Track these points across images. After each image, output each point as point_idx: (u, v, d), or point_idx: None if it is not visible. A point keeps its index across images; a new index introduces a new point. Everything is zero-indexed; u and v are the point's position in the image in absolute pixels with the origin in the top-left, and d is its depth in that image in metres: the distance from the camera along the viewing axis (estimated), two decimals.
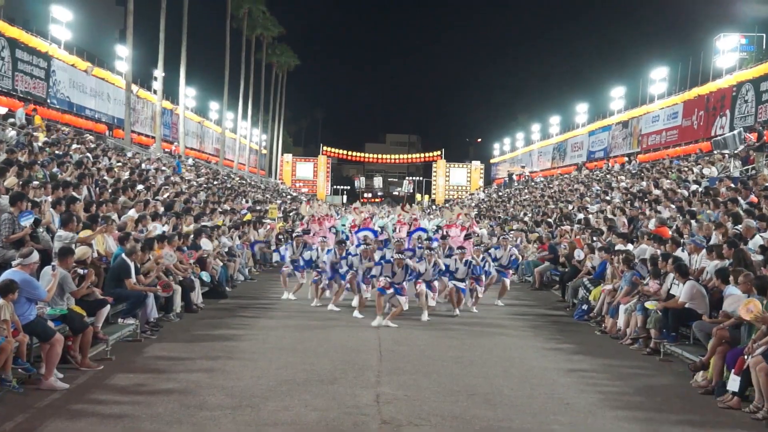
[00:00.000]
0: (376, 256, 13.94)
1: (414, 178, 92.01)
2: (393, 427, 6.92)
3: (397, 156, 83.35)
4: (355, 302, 14.65)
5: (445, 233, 16.81)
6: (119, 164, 23.91)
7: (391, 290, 12.70)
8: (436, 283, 14.05)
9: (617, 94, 47.59)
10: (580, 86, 72.18)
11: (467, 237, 16.33)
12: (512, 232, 24.02)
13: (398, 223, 22.79)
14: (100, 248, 11.88)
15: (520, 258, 16.93)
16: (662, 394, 8.73)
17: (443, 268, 14.26)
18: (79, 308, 9.24)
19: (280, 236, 25.41)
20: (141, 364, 9.34)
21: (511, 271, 16.76)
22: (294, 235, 17.41)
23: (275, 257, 17.27)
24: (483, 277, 15.14)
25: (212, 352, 10.12)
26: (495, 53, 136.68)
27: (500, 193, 54.94)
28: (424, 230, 16.71)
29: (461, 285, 14.44)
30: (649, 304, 11.01)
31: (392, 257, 13.34)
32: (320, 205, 24.79)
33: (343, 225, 18.98)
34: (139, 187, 19.38)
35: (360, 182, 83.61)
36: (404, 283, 13.08)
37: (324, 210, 22.42)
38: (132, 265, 11.26)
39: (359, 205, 27.44)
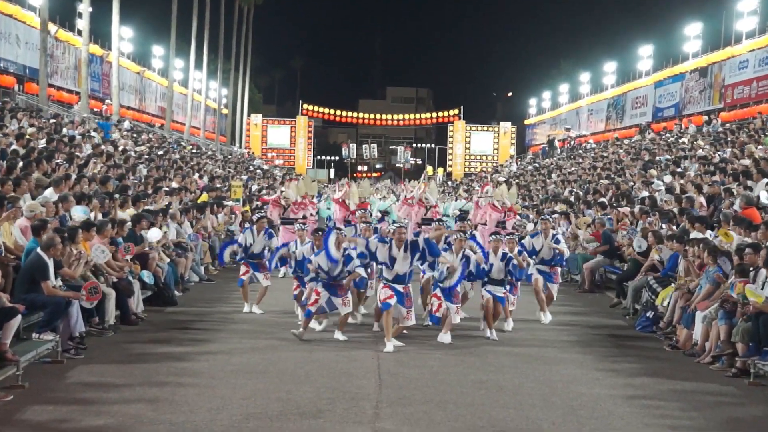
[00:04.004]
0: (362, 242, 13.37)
1: (423, 145, 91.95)
2: None
3: (400, 116, 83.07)
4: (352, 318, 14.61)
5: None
6: (32, 129, 23.82)
7: (394, 298, 12.26)
8: (458, 288, 13.32)
9: (692, 33, 47.36)
10: (643, 22, 71.97)
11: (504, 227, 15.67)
12: (554, 215, 24.00)
13: (404, 203, 22.68)
14: (7, 240, 11.85)
15: (566, 252, 16.24)
16: (752, 428, 8.72)
17: (483, 266, 13.51)
18: None
19: (247, 224, 25.39)
20: (63, 392, 9.34)
21: (558, 270, 15.81)
22: (256, 217, 17.01)
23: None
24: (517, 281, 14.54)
25: (157, 377, 10.12)
26: None
27: (537, 164, 54.88)
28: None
29: (498, 292, 13.67)
30: (748, 290, 10.81)
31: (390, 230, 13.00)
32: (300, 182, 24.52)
33: (328, 208, 18.94)
34: (59, 158, 19.32)
35: (350, 150, 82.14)
36: (408, 282, 12.47)
37: (309, 188, 22.26)
38: (50, 262, 11.24)
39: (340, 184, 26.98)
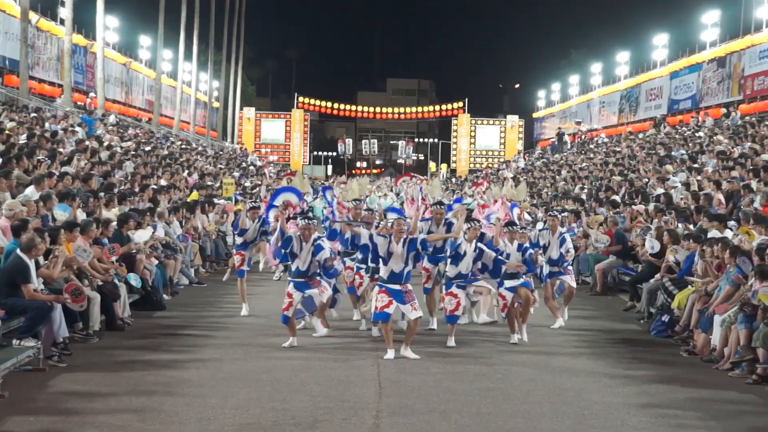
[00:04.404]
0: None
1: (425, 139, 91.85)
2: None
3: (401, 109, 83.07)
4: (356, 316, 14.70)
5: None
6: (12, 123, 23.81)
7: (394, 305, 12.01)
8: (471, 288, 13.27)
9: (710, 20, 47.33)
10: (657, 10, 71.90)
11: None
12: (564, 213, 23.97)
13: (408, 202, 22.69)
14: None
15: (572, 252, 15.99)
16: None
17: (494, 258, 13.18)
18: None
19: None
20: (45, 402, 9.33)
21: (570, 269, 15.57)
22: (249, 206, 17.20)
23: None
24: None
25: (144, 386, 10.12)
26: None
27: (546, 160, 54.88)
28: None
29: (517, 282, 13.45)
30: (762, 295, 10.83)
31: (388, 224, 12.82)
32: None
33: (325, 208, 18.85)
34: (41, 155, 19.30)
35: (345, 146, 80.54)
36: (406, 282, 12.16)
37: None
38: (31, 264, 11.23)
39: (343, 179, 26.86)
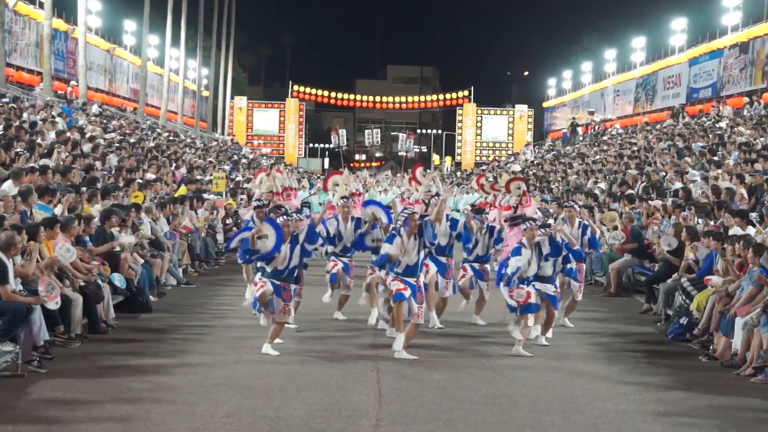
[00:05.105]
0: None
1: (428, 131, 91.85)
2: None
3: (403, 98, 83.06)
4: (338, 315, 15.05)
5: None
6: None
7: (408, 291, 12.19)
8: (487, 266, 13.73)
9: (732, 3, 47.33)
10: None
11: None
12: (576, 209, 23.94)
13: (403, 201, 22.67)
14: None
15: (598, 231, 15.94)
16: None
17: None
18: None
19: (230, 220, 25.44)
20: (24, 410, 9.33)
21: (583, 267, 15.52)
22: (255, 205, 17.14)
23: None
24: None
25: (129, 393, 10.12)
26: None
27: (557, 152, 54.88)
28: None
29: (548, 290, 13.32)
30: None
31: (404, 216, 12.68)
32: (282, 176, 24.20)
33: (321, 204, 18.85)
34: (19, 148, 19.31)
35: (339, 137, 78.56)
36: (419, 275, 12.45)
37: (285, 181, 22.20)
38: (9, 264, 11.22)
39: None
